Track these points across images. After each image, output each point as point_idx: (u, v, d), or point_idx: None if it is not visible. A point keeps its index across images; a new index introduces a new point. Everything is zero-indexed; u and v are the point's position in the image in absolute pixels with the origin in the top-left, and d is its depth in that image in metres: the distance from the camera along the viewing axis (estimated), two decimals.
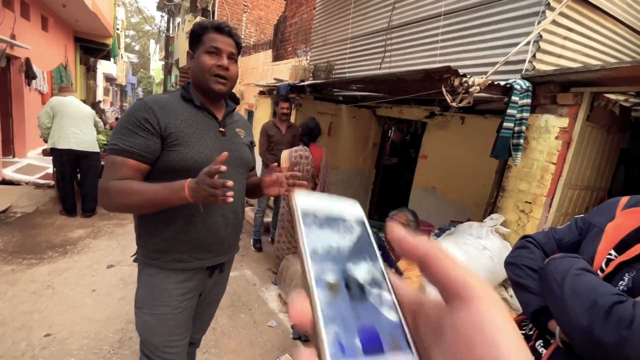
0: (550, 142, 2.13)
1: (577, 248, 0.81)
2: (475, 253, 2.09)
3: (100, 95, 17.70)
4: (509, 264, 0.88)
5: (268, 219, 4.04)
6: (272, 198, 3.74)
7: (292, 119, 4.03)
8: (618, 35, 2.70)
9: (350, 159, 4.76)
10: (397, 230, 0.22)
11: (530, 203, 2.22)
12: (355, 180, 4.93)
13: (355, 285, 0.20)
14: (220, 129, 1.14)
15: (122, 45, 20.68)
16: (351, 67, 4.00)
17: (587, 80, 2.01)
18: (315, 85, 3.61)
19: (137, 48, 38.42)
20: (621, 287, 0.63)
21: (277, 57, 7.53)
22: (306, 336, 2.24)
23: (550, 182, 2.13)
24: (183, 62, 12.02)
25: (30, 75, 5.59)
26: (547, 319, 0.73)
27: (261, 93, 4.96)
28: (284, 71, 5.72)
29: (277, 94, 3.81)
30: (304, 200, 0.23)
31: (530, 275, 0.79)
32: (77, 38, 9.29)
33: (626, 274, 0.64)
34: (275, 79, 5.22)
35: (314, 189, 2.90)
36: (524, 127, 2.16)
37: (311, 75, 4.49)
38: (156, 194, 0.94)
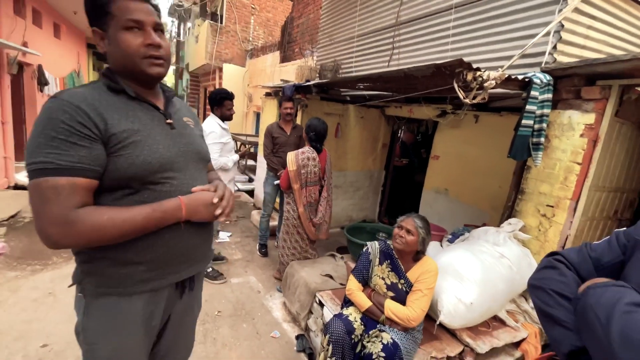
0: (575, 140, 1.96)
1: (620, 270, 0.67)
2: (492, 261, 1.93)
3: None
4: (534, 287, 0.73)
5: (274, 222, 3.95)
6: (277, 201, 3.65)
7: (298, 120, 3.93)
8: None
9: (358, 160, 4.63)
10: None
11: (552, 207, 2.05)
12: (364, 182, 4.79)
13: None
14: (168, 121, 0.95)
15: None
16: (358, 66, 3.87)
17: (615, 72, 1.83)
18: (321, 84, 3.50)
19: None
20: None
21: (284, 59, 7.47)
22: (311, 349, 2.13)
23: (575, 184, 1.95)
24: (193, 67, 12.13)
25: (42, 82, 5.70)
26: None
27: (267, 95, 4.88)
28: (291, 72, 5.64)
29: (282, 95, 3.72)
30: None
31: (562, 304, 0.65)
32: (89, 45, 9.49)
33: None
34: (281, 80, 5.14)
35: (320, 191, 2.78)
36: (544, 125, 1.99)
37: (317, 75, 4.39)
38: (148, 220, 0.82)
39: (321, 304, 2.14)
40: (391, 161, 4.98)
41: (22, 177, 4.82)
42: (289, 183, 2.64)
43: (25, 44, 5.00)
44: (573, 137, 1.96)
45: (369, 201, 4.95)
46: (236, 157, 2.81)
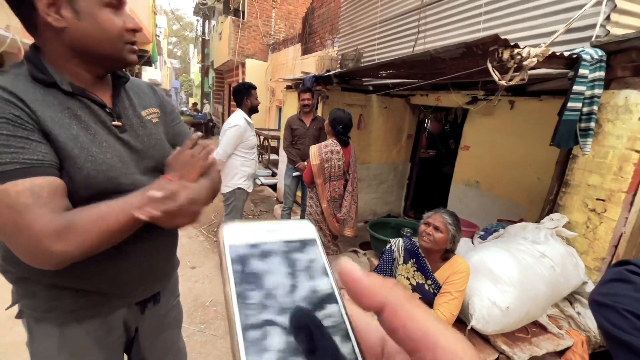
0: (632, 124, 1.70)
1: None
2: (532, 261, 1.74)
3: None
4: (600, 304, 0.58)
5: (296, 216, 3.91)
6: (299, 194, 3.60)
7: (319, 112, 3.83)
8: None
9: (382, 153, 4.46)
10: (348, 268, 0.18)
11: (604, 200, 1.81)
12: (389, 175, 4.62)
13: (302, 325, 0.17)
14: (115, 122, 0.74)
15: (164, 52, 21.89)
16: (381, 53, 3.69)
17: None
18: (341, 74, 3.37)
19: (179, 54, 40.65)
20: None
21: (306, 51, 7.37)
22: None
23: (633, 175, 1.71)
24: (217, 63, 12.35)
25: None
26: None
27: (288, 87, 4.82)
28: (312, 64, 5.53)
29: (302, 85, 3.63)
30: (235, 234, 0.18)
31: (638, 326, 0.51)
32: None
33: None
34: (302, 72, 5.05)
35: (345, 185, 2.69)
36: (595, 107, 1.75)
37: (338, 65, 4.25)
38: (124, 208, 0.63)
39: None
40: (417, 153, 4.76)
41: None
42: (312, 177, 2.56)
43: None
44: (630, 120, 1.71)
45: (393, 195, 4.77)
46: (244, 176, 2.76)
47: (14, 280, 0.74)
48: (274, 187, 5.88)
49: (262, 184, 6.12)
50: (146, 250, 0.80)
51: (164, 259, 0.89)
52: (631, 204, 1.75)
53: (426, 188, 4.89)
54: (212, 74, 15.33)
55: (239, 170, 2.66)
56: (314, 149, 2.55)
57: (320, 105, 3.88)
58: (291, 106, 4.66)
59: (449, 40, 2.80)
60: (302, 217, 3.52)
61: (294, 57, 7.77)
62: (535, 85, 2.70)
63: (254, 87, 2.75)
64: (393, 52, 3.52)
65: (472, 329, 1.61)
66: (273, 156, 7.46)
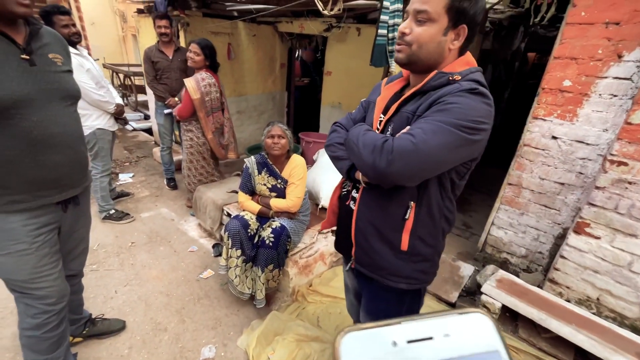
0: None
1: (364, 120, 1.06)
2: None
3: None
4: (327, 146, 1.10)
5: (179, 156, 3.87)
6: (177, 133, 3.53)
7: (182, 42, 3.59)
8: None
9: (258, 83, 4.58)
10: None
11: None
12: (268, 105, 4.85)
13: None
14: (24, 56, 0.97)
15: None
16: None
17: None
18: None
19: None
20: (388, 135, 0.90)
21: None
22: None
23: None
24: None
25: None
26: (355, 172, 0.98)
27: (140, 12, 4.17)
28: None
29: (155, 10, 3.27)
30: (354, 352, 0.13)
31: (341, 148, 1.02)
32: None
33: (389, 127, 0.91)
34: None
35: (222, 113, 2.80)
36: (396, 34, 2.30)
37: None
38: None
39: (229, 215, 2.42)
40: (292, 81, 5.05)
41: None
42: (189, 112, 2.56)
43: None
44: None
45: None
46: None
47: None
48: (149, 130, 5.41)
49: (134, 130, 5.53)
50: (59, 162, 1.06)
51: (77, 167, 1.16)
52: None
53: (305, 114, 5.36)
54: None
55: (91, 109, 2.41)
56: (191, 83, 2.48)
57: (181, 34, 3.61)
58: (148, 34, 4.14)
59: None
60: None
61: None
62: (372, 14, 3.21)
63: (58, 12, 2.20)
64: None
65: (322, 207, 2.22)
66: (142, 97, 6.59)
